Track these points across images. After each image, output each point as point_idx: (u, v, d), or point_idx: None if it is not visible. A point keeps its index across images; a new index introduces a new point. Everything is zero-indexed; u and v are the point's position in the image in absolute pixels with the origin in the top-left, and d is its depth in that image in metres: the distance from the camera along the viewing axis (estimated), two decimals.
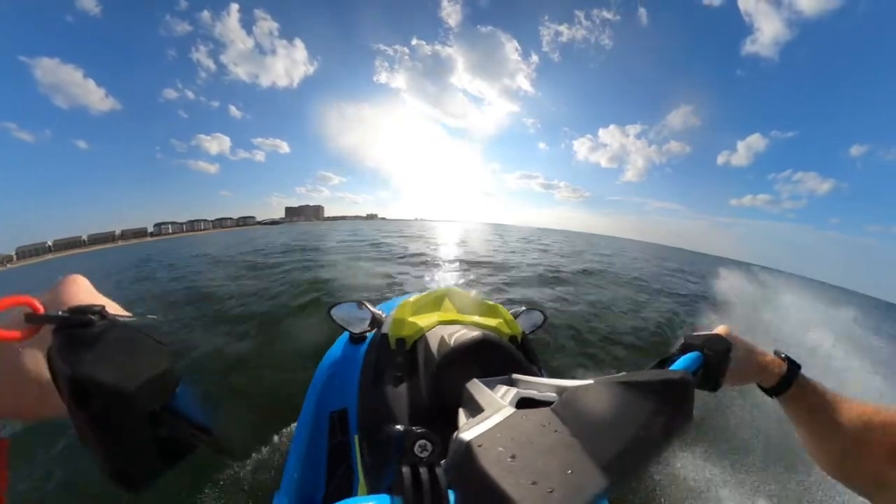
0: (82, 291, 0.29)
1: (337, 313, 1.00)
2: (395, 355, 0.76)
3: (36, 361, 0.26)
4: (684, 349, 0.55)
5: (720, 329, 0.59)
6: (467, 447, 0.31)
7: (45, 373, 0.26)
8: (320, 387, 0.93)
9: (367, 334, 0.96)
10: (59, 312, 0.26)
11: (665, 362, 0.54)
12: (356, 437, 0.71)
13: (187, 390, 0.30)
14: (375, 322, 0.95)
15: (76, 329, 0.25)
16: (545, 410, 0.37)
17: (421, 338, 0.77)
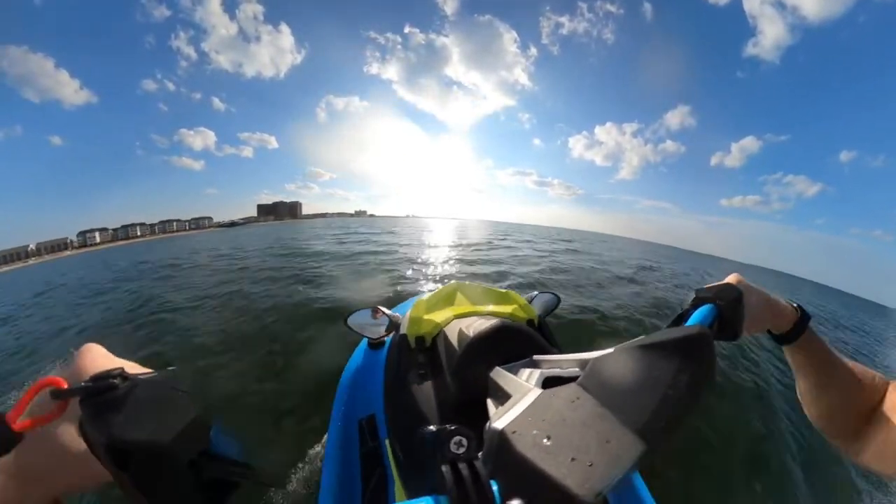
0: (99, 358, 0.31)
1: (353, 321, 1.06)
2: (415, 354, 0.78)
3: (72, 436, 0.28)
4: (697, 303, 0.56)
5: (730, 278, 0.61)
6: (501, 436, 0.32)
7: (82, 444, 0.27)
8: (345, 396, 0.98)
9: (385, 339, 1.00)
10: (82, 383, 0.27)
11: (680, 319, 0.55)
12: (387, 441, 0.75)
13: (220, 431, 0.32)
14: (392, 325, 0.99)
15: (101, 396, 0.27)
16: (572, 386, 0.38)
17: (439, 333, 0.79)
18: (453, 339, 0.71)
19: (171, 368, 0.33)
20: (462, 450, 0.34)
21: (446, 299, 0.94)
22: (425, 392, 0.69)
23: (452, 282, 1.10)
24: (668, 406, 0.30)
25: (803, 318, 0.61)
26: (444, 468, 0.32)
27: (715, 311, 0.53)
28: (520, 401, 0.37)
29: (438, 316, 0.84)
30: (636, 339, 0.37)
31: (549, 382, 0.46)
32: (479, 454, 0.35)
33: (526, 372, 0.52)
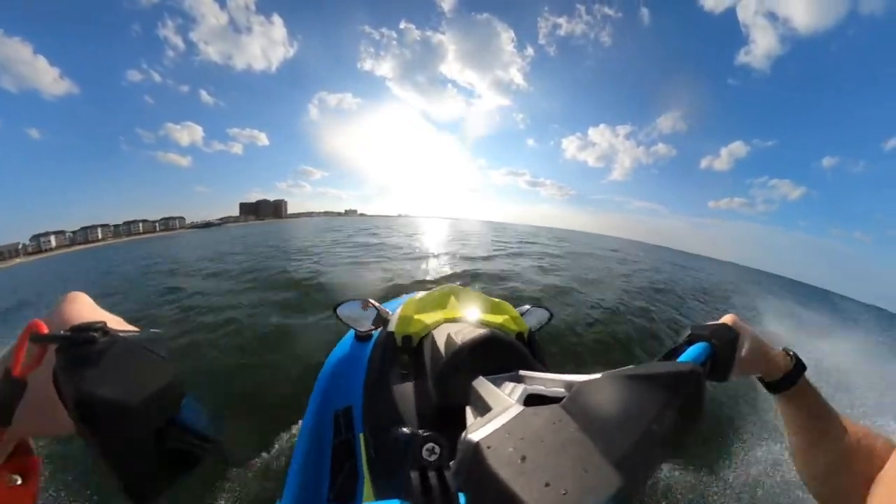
0: (85, 309, 0.31)
1: (343, 311, 1.06)
2: (400, 353, 0.79)
3: (46, 381, 0.27)
4: (691, 340, 0.56)
5: (727, 318, 0.60)
6: (476, 448, 0.31)
7: (54, 391, 0.27)
8: (325, 385, 0.98)
9: (373, 333, 1.00)
10: (62, 332, 0.27)
11: (673, 354, 0.55)
12: (361, 436, 0.75)
13: (192, 402, 0.32)
14: (381, 320, 1.00)
15: (78, 347, 0.27)
16: (554, 407, 0.37)
17: (427, 335, 0.79)
18: (440, 344, 0.71)
19: (154, 331, 0.32)
20: (433, 457, 0.34)
21: (438, 302, 0.94)
22: (405, 392, 0.71)
23: (447, 284, 1.14)
24: (650, 441, 0.29)
25: (797, 367, 0.59)
26: (412, 474, 0.33)
27: (709, 350, 0.54)
28: (499, 415, 0.36)
29: (428, 317, 0.84)
30: (625, 367, 0.37)
31: (531, 400, 0.45)
32: (451, 464, 0.34)
33: (509, 386, 0.51)
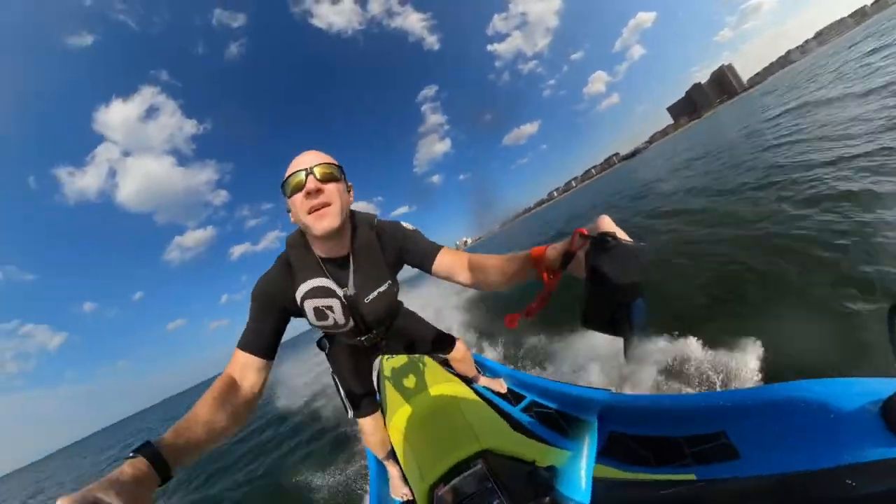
0: (606, 224, 0.60)
1: None
2: None
3: (581, 256, 0.62)
4: None
5: None
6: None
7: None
8: None
9: None
10: (595, 234, 0.57)
11: None
12: None
13: (642, 304, 0.55)
14: None
15: (599, 244, 0.55)
16: None
17: None
18: None
19: (642, 243, 0.55)
20: None
21: None
22: None
23: None
24: None
25: None
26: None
27: None
28: None
29: None
30: None
31: None
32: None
33: None
